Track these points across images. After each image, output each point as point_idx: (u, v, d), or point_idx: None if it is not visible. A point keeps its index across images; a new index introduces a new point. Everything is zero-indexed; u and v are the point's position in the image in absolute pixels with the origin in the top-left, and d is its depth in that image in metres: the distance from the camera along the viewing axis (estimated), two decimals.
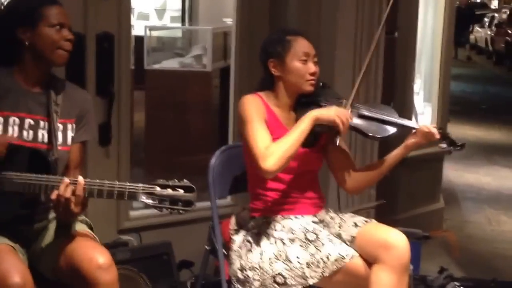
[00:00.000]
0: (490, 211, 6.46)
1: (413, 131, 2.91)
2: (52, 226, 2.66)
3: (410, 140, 2.92)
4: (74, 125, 2.69)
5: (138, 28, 8.40)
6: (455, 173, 7.63)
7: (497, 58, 20.96)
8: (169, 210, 2.40)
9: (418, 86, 6.06)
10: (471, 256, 5.10)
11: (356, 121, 2.90)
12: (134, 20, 11.25)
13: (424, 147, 3.53)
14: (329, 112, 2.78)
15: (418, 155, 4.78)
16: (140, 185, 2.39)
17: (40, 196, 2.57)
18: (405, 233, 2.81)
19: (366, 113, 2.93)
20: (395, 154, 2.97)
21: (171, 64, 6.85)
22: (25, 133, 2.59)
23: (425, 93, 6.08)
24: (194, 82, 6.46)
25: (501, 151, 9.32)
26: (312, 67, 2.89)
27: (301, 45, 2.89)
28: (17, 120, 2.58)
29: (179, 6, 10.23)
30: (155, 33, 8.03)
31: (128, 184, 2.40)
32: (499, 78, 18.00)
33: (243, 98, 2.91)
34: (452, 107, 7.93)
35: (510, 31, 19.84)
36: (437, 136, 2.88)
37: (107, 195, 2.40)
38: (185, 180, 2.43)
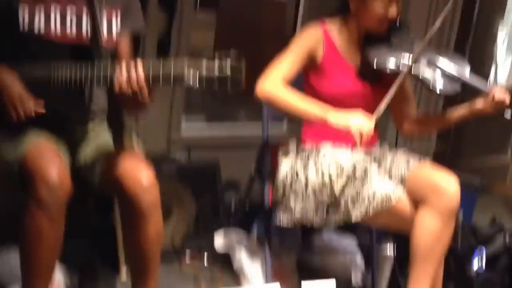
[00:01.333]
0: None
1: (484, 94, 2.76)
2: (100, 133, 2.63)
3: (477, 105, 2.79)
4: (119, 11, 2.59)
5: None
6: None
7: None
8: (217, 89, 2.26)
9: (504, 34, 5.80)
10: None
11: (423, 70, 2.78)
12: None
13: None
14: (348, 122, 2.60)
15: None
16: (185, 64, 2.24)
17: (84, 93, 2.52)
18: (463, 179, 2.72)
19: (435, 63, 2.80)
20: (458, 114, 2.88)
21: None
22: (68, 26, 2.49)
23: (510, 44, 5.83)
24: (269, 11, 6.34)
25: None
26: (393, 11, 2.75)
27: None
28: (59, 7, 2.49)
29: None
30: None
31: (171, 67, 2.25)
32: None
33: (305, 26, 2.84)
34: None
35: None
36: (505, 105, 2.73)
37: (152, 79, 2.26)
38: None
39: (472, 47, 4.67)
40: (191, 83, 2.24)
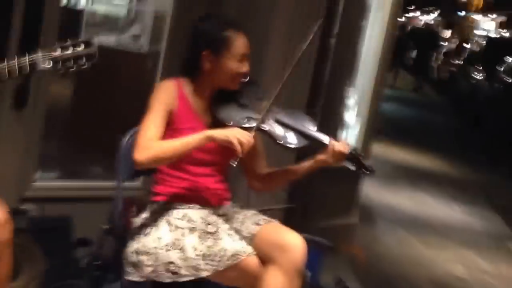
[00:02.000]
0: (403, 234, 6.56)
1: (325, 147, 2.92)
2: None
3: (320, 156, 2.94)
4: None
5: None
6: (376, 191, 7.71)
7: (441, 87, 21.30)
8: (73, 69, 2.44)
9: (353, 100, 6.11)
10: (376, 274, 5.17)
11: (270, 126, 2.89)
12: None
13: None
14: (227, 133, 2.71)
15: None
16: (39, 53, 2.39)
17: None
18: (309, 240, 2.84)
19: (281, 119, 2.92)
20: (304, 166, 3.01)
21: (107, 40, 6.75)
22: None
23: (358, 109, 6.14)
24: (128, 62, 6.38)
25: (427, 178, 9.49)
26: (245, 67, 2.89)
27: (240, 45, 2.86)
28: None
29: None
30: (98, 8, 7.91)
31: (26, 57, 2.39)
32: (440, 106, 18.34)
33: (160, 83, 2.93)
34: (388, 128, 8.03)
35: (454, 62, 20.26)
36: (343, 157, 2.88)
37: (9, 73, 2.37)
38: (80, 38, 2.47)
39: (323, 111, 4.87)
40: (45, 65, 2.37)
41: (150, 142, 2.74)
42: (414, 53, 20.65)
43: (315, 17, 4.05)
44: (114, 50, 6.46)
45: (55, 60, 2.39)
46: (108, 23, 8.00)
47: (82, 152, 5.19)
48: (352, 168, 2.93)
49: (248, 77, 2.95)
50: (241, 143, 2.68)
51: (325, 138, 2.95)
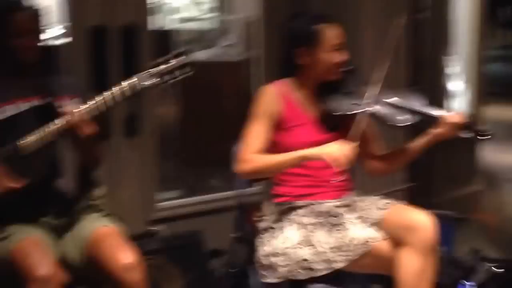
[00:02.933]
0: None
1: (438, 120, 2.90)
2: (82, 221, 2.72)
3: (435, 131, 2.92)
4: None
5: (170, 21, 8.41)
6: (495, 155, 7.49)
7: None
8: (172, 80, 2.52)
9: (456, 68, 5.98)
10: (509, 238, 5.03)
11: (377, 108, 2.89)
12: (167, 13, 11.28)
13: None
14: (321, 152, 2.73)
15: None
16: (135, 76, 2.51)
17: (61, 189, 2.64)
18: (437, 215, 2.80)
19: (389, 100, 2.92)
20: (420, 143, 2.99)
21: (201, 55, 6.86)
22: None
23: (464, 75, 6.01)
24: (227, 72, 6.47)
25: None
26: (341, 57, 2.90)
27: (332, 35, 2.88)
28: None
29: None
30: (187, 25, 8.04)
31: (125, 82, 2.50)
32: None
33: (261, 89, 2.96)
34: (493, 89, 7.79)
35: None
36: (460, 127, 2.86)
37: (113, 100, 2.50)
38: (172, 52, 2.55)
39: (429, 85, 4.81)
40: (145, 83, 2.49)
41: (251, 155, 2.83)
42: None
43: None
44: (211, 63, 6.57)
45: (153, 77, 2.48)
46: (200, 39, 8.15)
47: (199, 166, 5.31)
48: (469, 135, 2.90)
49: (348, 65, 2.96)
50: (335, 159, 2.69)
51: (436, 112, 2.93)
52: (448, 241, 3.80)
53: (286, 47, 2.96)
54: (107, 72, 3.60)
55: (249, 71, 6.56)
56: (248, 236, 3.06)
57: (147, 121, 3.80)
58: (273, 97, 2.92)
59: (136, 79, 2.50)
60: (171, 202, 3.98)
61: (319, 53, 2.88)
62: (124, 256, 2.53)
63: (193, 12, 11.03)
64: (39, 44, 2.69)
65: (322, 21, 2.91)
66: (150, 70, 2.51)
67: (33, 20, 2.67)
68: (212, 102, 6.35)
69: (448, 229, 3.66)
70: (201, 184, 4.75)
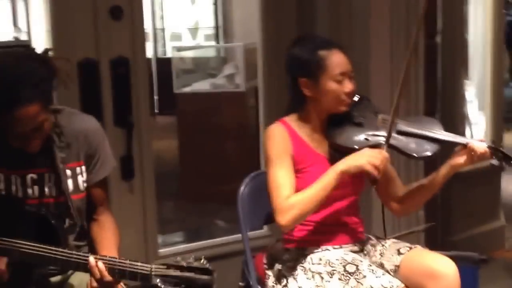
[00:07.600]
0: None
1: (459, 147, 2.80)
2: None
3: (457, 159, 2.80)
4: (84, 167, 2.59)
5: (169, 49, 8.50)
6: None
7: None
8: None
9: (472, 93, 5.92)
10: None
11: (398, 140, 2.79)
12: (166, 41, 11.42)
13: None
14: (358, 161, 2.64)
15: (472, 168, 4.62)
16: (152, 266, 2.28)
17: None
18: (459, 257, 2.76)
19: (406, 129, 2.81)
20: (441, 173, 2.86)
21: (202, 86, 6.86)
22: (29, 190, 2.51)
23: (479, 101, 5.95)
24: (227, 104, 6.43)
25: None
26: (348, 86, 2.79)
27: (337, 63, 2.77)
28: (18, 179, 2.50)
29: (213, 23, 10.30)
30: (185, 54, 8.05)
31: (139, 264, 2.30)
32: None
33: (267, 130, 2.86)
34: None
35: None
36: (486, 154, 2.75)
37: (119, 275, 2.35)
38: (202, 260, 2.31)
39: (444, 111, 4.75)
40: (157, 283, 2.27)
41: (289, 201, 2.69)
42: None
43: (413, 17, 3.96)
44: (211, 94, 6.55)
45: (167, 279, 2.27)
46: (199, 67, 8.16)
47: (200, 208, 5.25)
48: (495, 162, 2.78)
49: (356, 95, 2.87)
50: (375, 166, 2.61)
51: (458, 139, 2.84)
52: (472, 285, 3.71)
53: (289, 77, 2.87)
54: (100, 108, 3.55)
55: (251, 101, 6.55)
56: (255, 286, 2.95)
57: (143, 163, 3.74)
58: (285, 136, 2.81)
59: (150, 269, 2.27)
60: (174, 247, 3.89)
61: (323, 83, 2.78)
62: None
63: (193, 40, 11.14)
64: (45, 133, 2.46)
65: (324, 47, 2.80)
66: (168, 269, 2.27)
67: (38, 112, 2.35)
68: (214, 135, 6.32)
69: (471, 272, 3.56)
70: (204, 226, 4.67)
